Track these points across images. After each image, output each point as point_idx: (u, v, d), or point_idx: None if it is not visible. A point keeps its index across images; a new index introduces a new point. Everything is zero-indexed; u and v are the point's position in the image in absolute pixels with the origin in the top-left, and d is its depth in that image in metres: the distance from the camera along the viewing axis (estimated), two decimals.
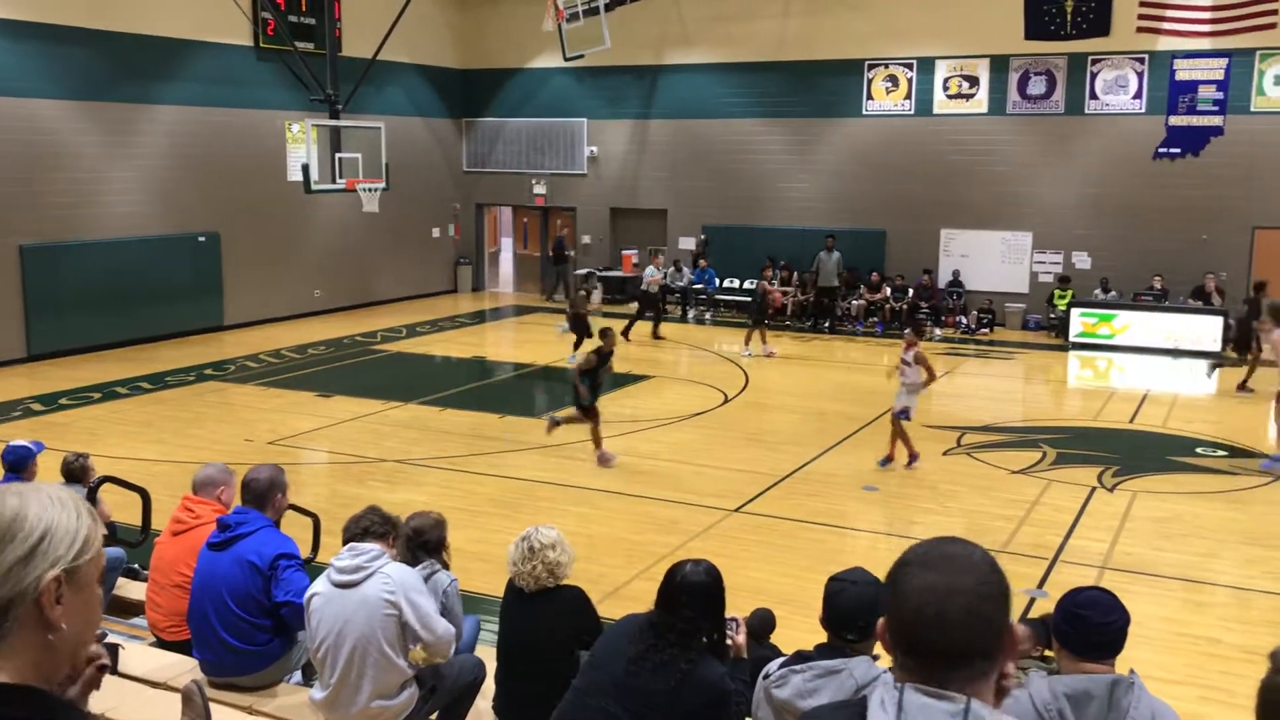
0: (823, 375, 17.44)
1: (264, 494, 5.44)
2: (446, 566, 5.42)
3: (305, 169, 17.01)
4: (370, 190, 17.87)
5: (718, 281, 23.32)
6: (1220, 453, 12.69)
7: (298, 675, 5.66)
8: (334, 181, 17.24)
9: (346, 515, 5.08)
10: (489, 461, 11.96)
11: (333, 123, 17.34)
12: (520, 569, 4.93)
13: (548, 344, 19.67)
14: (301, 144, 19.36)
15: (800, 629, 5.20)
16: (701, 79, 23.59)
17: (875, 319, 21.59)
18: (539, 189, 25.80)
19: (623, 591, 8.13)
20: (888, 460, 11.87)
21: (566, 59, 21.90)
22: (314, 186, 17.18)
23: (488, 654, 5.48)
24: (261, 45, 20.52)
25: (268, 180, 21.02)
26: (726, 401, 15.05)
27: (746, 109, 23.23)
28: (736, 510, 10.35)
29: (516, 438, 12.95)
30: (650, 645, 3.88)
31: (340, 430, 13.32)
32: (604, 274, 24.95)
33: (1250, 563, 9.23)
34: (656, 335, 20.27)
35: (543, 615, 4.94)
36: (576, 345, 17.24)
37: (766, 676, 3.46)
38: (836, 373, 17.85)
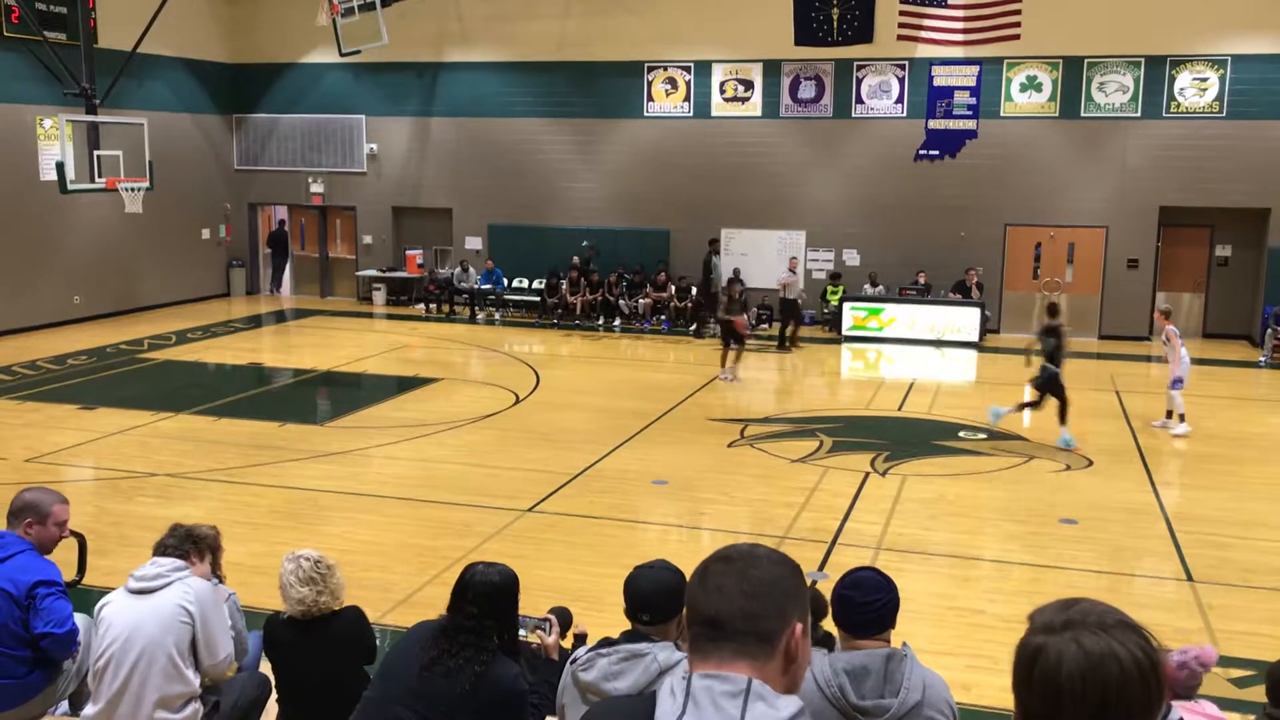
0: (612, 373, 17.65)
1: (16, 514, 5.08)
2: (222, 580, 5.24)
3: (60, 167, 15.93)
4: (133, 190, 16.89)
5: (506, 282, 23.23)
6: (980, 436, 13.58)
7: (64, 706, 5.31)
8: (93, 181, 16.21)
9: (115, 534, 4.82)
10: (270, 472, 11.52)
11: (89, 118, 16.29)
12: (295, 597, 4.77)
13: (329, 348, 19.11)
14: (55, 141, 18.10)
15: (595, 624, 5.24)
16: (483, 77, 23.44)
17: (662, 316, 22.00)
18: (316, 188, 25.02)
19: (415, 598, 7.99)
20: None
21: (342, 54, 21.31)
22: (70, 186, 16.10)
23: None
24: (5, 34, 19.05)
25: (17, 180, 19.53)
26: (518, 402, 15.02)
27: (530, 108, 23.24)
28: (530, 510, 10.35)
29: (298, 446, 12.52)
30: (443, 650, 3.83)
31: (106, 444, 12.54)
32: (387, 274, 24.45)
33: (1009, 537, 9.92)
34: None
35: (319, 644, 4.80)
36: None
37: (574, 661, 3.48)
38: (626, 370, 18.10)
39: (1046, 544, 9.73)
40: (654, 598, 3.53)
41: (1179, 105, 20.05)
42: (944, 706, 3.16)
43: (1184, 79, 19.97)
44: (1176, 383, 13.27)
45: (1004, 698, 1.62)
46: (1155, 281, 20.96)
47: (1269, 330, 19.16)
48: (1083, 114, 20.48)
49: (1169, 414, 13.67)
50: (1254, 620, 8.03)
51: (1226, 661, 7.20)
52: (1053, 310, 13.50)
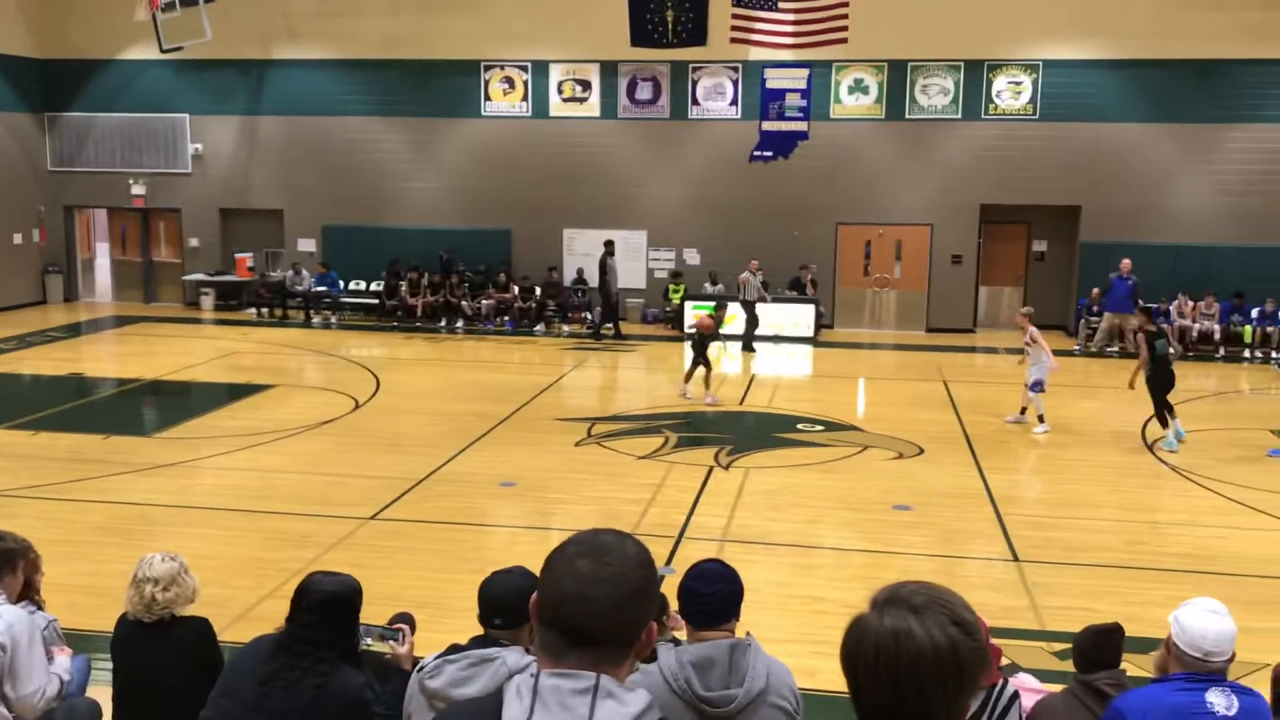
0: (456, 375, 17.44)
1: None
2: (40, 606, 4.95)
3: None
4: None
5: (342, 284, 22.69)
6: (818, 428, 13.97)
7: None
8: None
9: None
10: (94, 487, 10.96)
11: None
12: (137, 599, 4.57)
13: (154, 356, 18.30)
14: None
15: (439, 630, 5.18)
16: (313, 75, 22.83)
17: (505, 317, 21.86)
18: (138, 189, 23.92)
19: (254, 612, 7.73)
20: None
21: (163, 51, 20.45)
22: None
23: (102, 694, 5.03)
24: None
25: None
26: (358, 407, 14.69)
27: (364, 107, 22.76)
28: (372, 518, 10.13)
29: (124, 459, 11.95)
30: (282, 663, 3.72)
31: None
32: (215, 279, 23.58)
33: (847, 525, 10.24)
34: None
35: (165, 648, 4.61)
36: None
37: (421, 669, 3.42)
38: (469, 372, 17.90)
39: (882, 530, 10.08)
40: (510, 603, 3.51)
41: (996, 107, 21.05)
42: (787, 693, 3.23)
43: (1000, 82, 20.99)
44: (1036, 385, 13.63)
45: (844, 682, 1.68)
46: (977, 276, 21.96)
47: (1082, 320, 20.30)
48: (907, 116, 21.29)
49: (1023, 410, 14.17)
50: (1074, 595, 8.49)
51: (1049, 635, 7.61)
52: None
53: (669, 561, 8.94)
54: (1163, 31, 20.03)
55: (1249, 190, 20.36)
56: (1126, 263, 19.58)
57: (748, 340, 19.65)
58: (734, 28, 19.49)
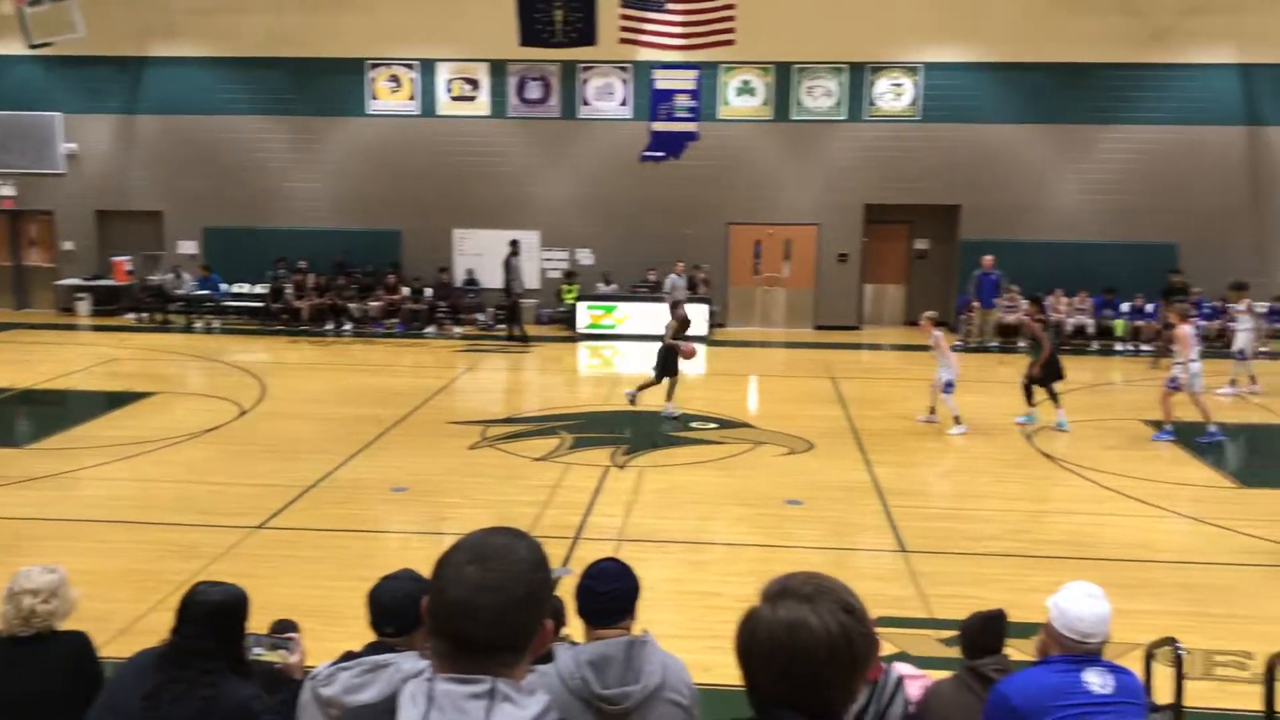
0: (345, 379, 17.14)
1: None
2: None
3: None
4: None
5: (225, 287, 22.11)
6: (712, 425, 14.10)
7: None
8: None
9: None
10: None
11: None
12: (13, 613, 4.39)
13: (27, 364, 17.58)
14: None
15: (328, 639, 5.09)
16: (193, 73, 22.20)
17: (395, 320, 21.56)
18: (7, 190, 22.94)
19: (137, 626, 7.49)
20: None
21: (31, 46, 19.64)
22: None
23: None
24: None
25: None
26: (243, 414, 14.33)
27: (246, 105, 22.21)
28: (260, 527, 9.90)
29: (3, 473, 11.46)
30: (168, 677, 3.62)
31: None
32: (92, 283, 22.76)
33: (739, 520, 10.36)
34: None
35: (41, 665, 4.43)
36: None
37: (314, 677, 3.36)
38: (358, 376, 17.61)
39: (775, 525, 10.23)
40: (399, 609, 3.47)
41: (879, 109, 21.54)
42: (683, 688, 3.27)
43: (882, 84, 21.48)
44: (948, 386, 13.85)
45: (739, 675, 1.71)
46: (862, 275, 22.43)
47: (962, 316, 20.90)
48: (794, 117, 21.64)
49: (932, 410, 14.45)
50: (959, 583, 8.74)
51: (936, 624, 7.81)
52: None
53: (565, 562, 8.93)
54: (1034, 36, 20.74)
55: (1119, 189, 21.21)
56: (989, 258, 20.25)
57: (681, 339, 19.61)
58: (623, 28, 19.54)
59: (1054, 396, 14.01)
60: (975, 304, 20.27)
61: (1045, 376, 13.95)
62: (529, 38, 20.04)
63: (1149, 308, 20.37)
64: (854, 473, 11.99)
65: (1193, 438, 13.42)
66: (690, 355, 14.68)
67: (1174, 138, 21.01)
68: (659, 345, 14.83)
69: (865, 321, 22.67)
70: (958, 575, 8.94)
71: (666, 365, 14.59)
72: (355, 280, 21.92)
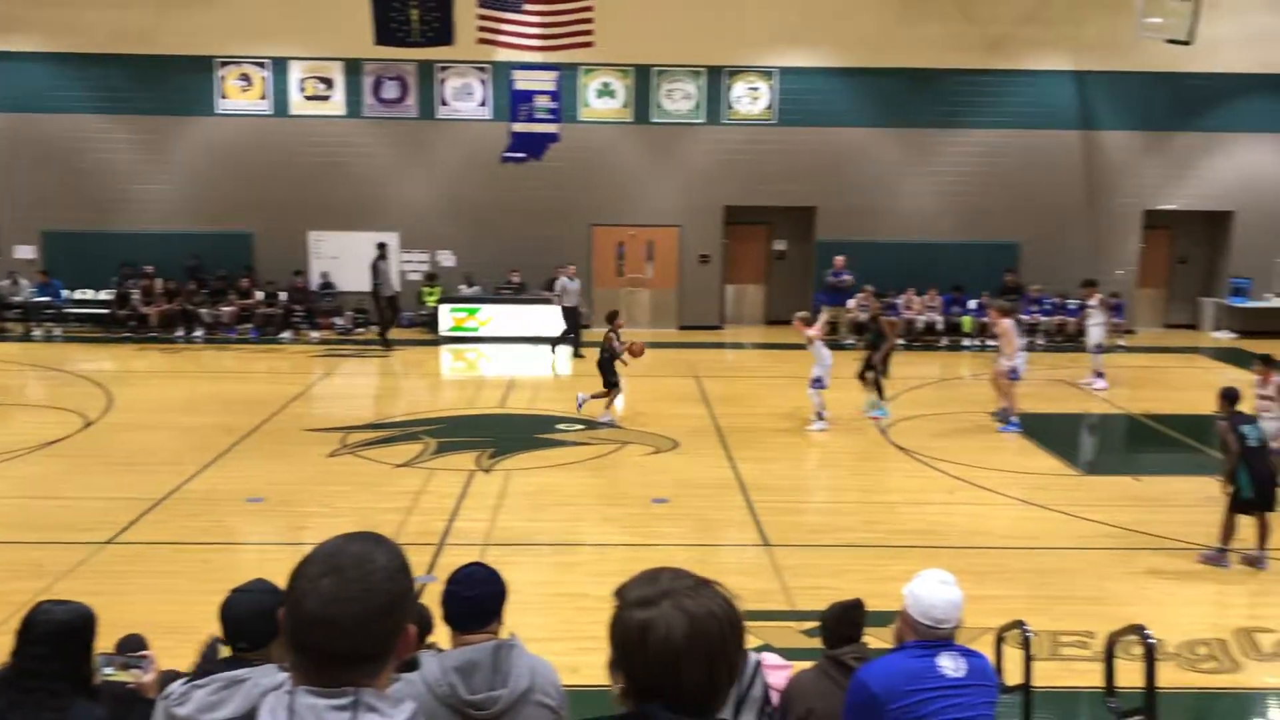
0: (196, 387, 16.57)
1: None
2: None
3: None
4: None
5: (66, 293, 21.10)
6: (578, 427, 14.12)
7: None
8: None
9: None
10: None
11: None
12: None
13: None
14: None
15: (186, 656, 4.92)
16: (27, 68, 21.11)
17: (249, 325, 20.94)
18: None
19: None
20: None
21: None
22: None
23: None
24: None
25: None
26: (89, 425, 13.72)
27: (87, 104, 21.23)
28: (109, 542, 9.50)
29: None
30: (10, 701, 3.45)
31: None
32: None
33: (607, 521, 10.42)
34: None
35: None
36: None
37: (167, 697, 3.25)
38: (211, 383, 17.05)
39: (642, 524, 10.32)
40: (252, 623, 3.39)
41: (736, 112, 21.89)
42: (551, 690, 3.27)
43: (740, 88, 21.84)
44: (816, 382, 14.14)
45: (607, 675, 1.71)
46: (723, 275, 22.78)
47: (824, 314, 21.38)
48: (654, 119, 21.83)
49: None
50: (820, 575, 8.97)
51: (798, 615, 8.00)
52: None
53: (431, 569, 8.83)
54: (883, 42, 21.39)
55: (964, 190, 22.03)
56: (839, 259, 20.83)
57: (573, 343, 19.43)
58: (480, 28, 19.39)
59: (880, 388, 14.68)
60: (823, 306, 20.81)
61: (885, 368, 14.61)
62: (384, 37, 19.72)
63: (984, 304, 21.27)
64: (718, 470, 12.18)
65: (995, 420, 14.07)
66: (639, 353, 14.82)
67: (1014, 141, 21.94)
68: (600, 357, 14.66)
69: (727, 321, 23.02)
70: (818, 567, 9.17)
71: (608, 375, 14.49)
72: (207, 285, 21.20)
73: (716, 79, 21.77)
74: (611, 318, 15.06)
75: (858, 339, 20.77)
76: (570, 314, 19.41)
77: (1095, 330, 16.92)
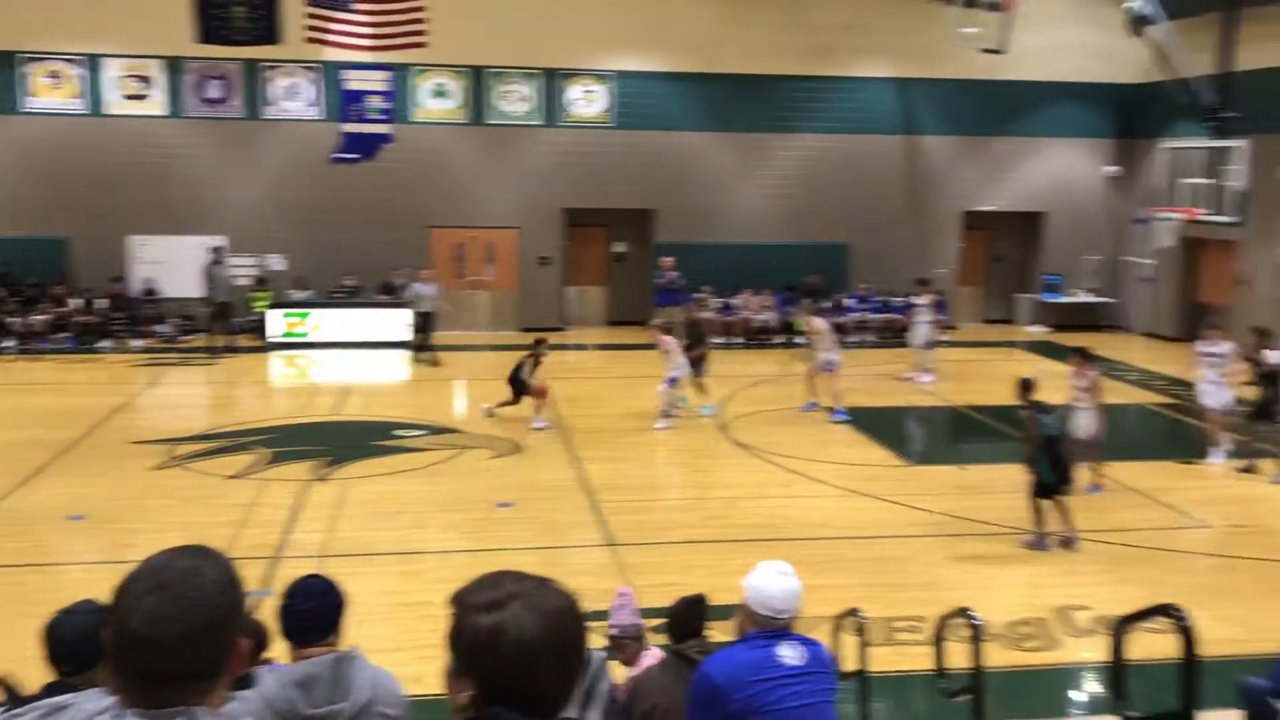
0: (7, 401, 15.60)
1: None
2: None
3: None
4: None
5: None
6: (417, 432, 13.91)
7: None
8: None
9: None
10: None
11: None
12: None
13: None
14: None
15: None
16: None
17: (65, 334, 19.84)
18: None
19: None
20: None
21: None
22: None
23: None
24: None
25: None
26: None
27: None
28: None
29: None
30: None
31: None
32: None
33: (450, 527, 10.30)
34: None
35: None
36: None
37: None
38: (23, 396, 16.08)
39: (485, 528, 10.24)
40: (76, 645, 3.22)
41: (573, 115, 21.94)
42: (394, 701, 3.22)
43: (575, 91, 21.90)
44: (670, 381, 14.32)
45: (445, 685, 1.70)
46: (564, 277, 22.80)
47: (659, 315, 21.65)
48: (490, 121, 21.68)
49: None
50: (665, 572, 9.07)
51: (645, 613, 8.06)
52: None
53: (266, 584, 8.56)
54: (715, 48, 21.80)
55: (796, 194, 22.64)
56: (668, 260, 21.15)
57: (428, 349, 18.93)
58: (308, 27, 18.91)
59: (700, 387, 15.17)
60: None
61: (700, 368, 15.09)
62: (206, 34, 19.02)
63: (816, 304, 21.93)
64: (562, 472, 12.18)
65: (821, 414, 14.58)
66: (541, 394, 14.29)
67: (842, 145, 22.66)
68: (513, 372, 14.36)
69: (569, 323, 23.05)
70: (663, 564, 9.28)
71: (518, 390, 14.28)
72: (17, 293, 20.00)
73: (552, 81, 21.77)
74: (537, 344, 14.69)
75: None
76: (425, 320, 18.95)
77: (924, 327, 17.63)
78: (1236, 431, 13.11)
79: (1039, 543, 9.93)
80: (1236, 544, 10.22)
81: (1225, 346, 12.77)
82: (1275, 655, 5.44)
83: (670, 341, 14.45)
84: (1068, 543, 9.94)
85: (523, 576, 1.87)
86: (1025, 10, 20.49)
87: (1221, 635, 7.78)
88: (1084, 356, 12.00)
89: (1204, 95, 18.16)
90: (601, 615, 7.77)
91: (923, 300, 17.81)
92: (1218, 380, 12.75)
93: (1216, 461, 12.83)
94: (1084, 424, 11.57)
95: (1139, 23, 19.55)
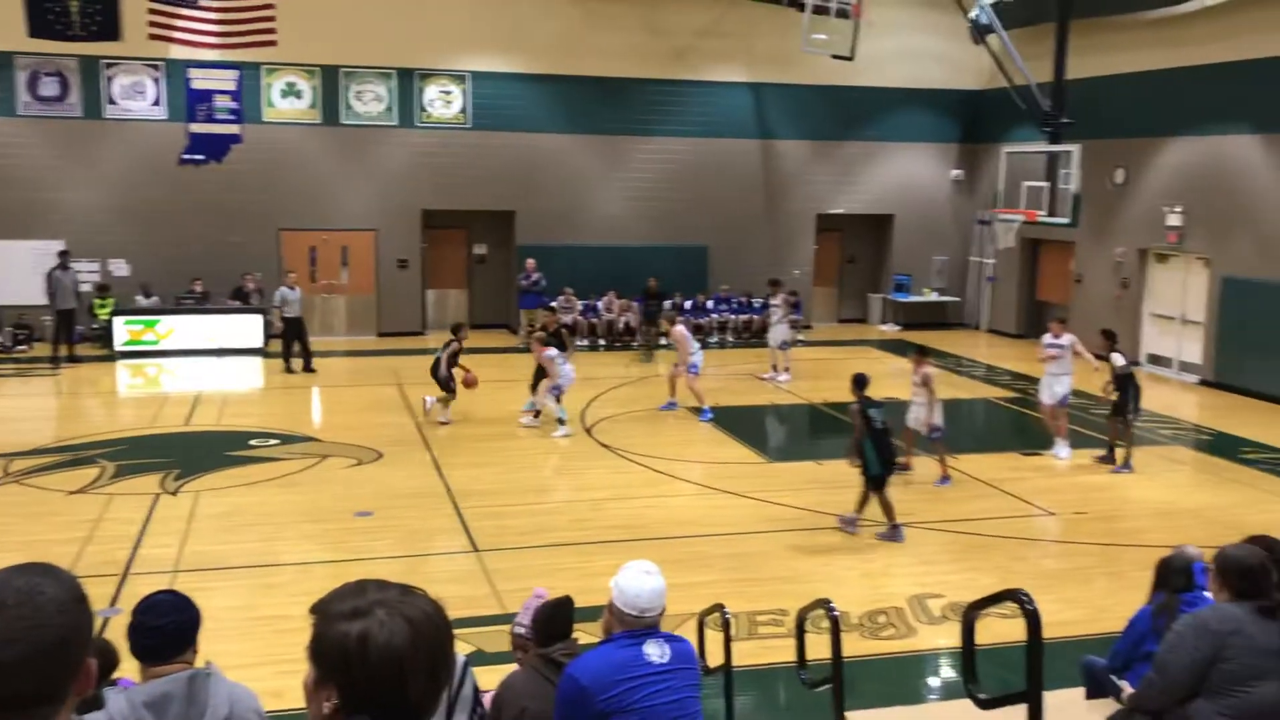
0: None
1: None
2: None
3: None
4: None
5: None
6: (272, 441, 13.53)
7: None
8: None
9: None
10: None
11: None
12: None
13: None
14: None
15: None
16: None
17: None
18: None
19: None
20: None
21: None
22: None
23: None
24: None
25: None
26: None
27: None
28: None
29: None
30: None
31: None
32: None
33: (308, 538, 10.04)
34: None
35: None
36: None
37: None
38: None
39: (345, 539, 10.03)
40: None
41: (430, 115, 21.67)
42: (253, 717, 3.13)
43: (432, 91, 21.63)
44: (555, 389, 14.24)
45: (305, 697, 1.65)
46: (424, 280, 22.49)
47: (523, 317, 21.55)
48: (344, 121, 21.23)
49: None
50: (531, 576, 9.02)
51: (510, 619, 8.02)
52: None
53: (114, 601, 8.21)
54: (572, 50, 21.83)
55: (656, 196, 22.84)
56: (531, 262, 21.10)
57: (303, 356, 18.17)
58: (151, 23, 18.24)
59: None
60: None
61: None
62: (39, 28, 18.17)
63: (687, 304, 22.18)
64: (425, 478, 12.02)
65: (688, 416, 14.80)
66: (472, 384, 14.65)
67: (700, 149, 22.96)
68: (435, 369, 14.52)
69: (429, 327, 22.74)
70: (529, 569, 9.24)
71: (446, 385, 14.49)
72: None
73: (408, 81, 21.46)
74: (455, 330, 14.99)
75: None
76: (293, 325, 18.21)
77: (779, 327, 18.00)
78: (1090, 427, 13.76)
79: (893, 534, 10.25)
80: (1078, 530, 10.75)
81: (1066, 339, 13.38)
82: (1115, 635, 5.74)
83: (554, 356, 14.23)
84: (850, 523, 10.36)
85: (386, 584, 1.85)
86: (873, 18, 21.15)
87: (1065, 618, 8.18)
88: (921, 353, 12.52)
89: (1040, 102, 19.03)
90: (470, 621, 7.72)
91: (776, 300, 18.18)
92: (1056, 372, 13.36)
93: (1062, 455, 13.39)
94: (920, 417, 12.08)
95: (981, 31, 20.39)
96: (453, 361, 14.48)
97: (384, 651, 1.73)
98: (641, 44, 22.15)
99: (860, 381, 10.63)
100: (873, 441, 10.10)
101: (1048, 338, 13.54)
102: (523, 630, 5.04)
